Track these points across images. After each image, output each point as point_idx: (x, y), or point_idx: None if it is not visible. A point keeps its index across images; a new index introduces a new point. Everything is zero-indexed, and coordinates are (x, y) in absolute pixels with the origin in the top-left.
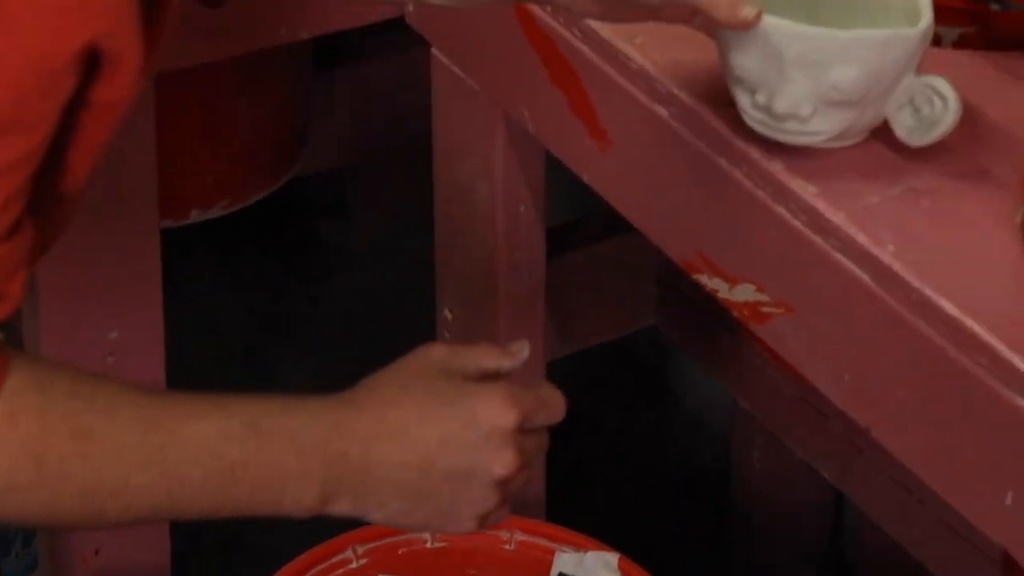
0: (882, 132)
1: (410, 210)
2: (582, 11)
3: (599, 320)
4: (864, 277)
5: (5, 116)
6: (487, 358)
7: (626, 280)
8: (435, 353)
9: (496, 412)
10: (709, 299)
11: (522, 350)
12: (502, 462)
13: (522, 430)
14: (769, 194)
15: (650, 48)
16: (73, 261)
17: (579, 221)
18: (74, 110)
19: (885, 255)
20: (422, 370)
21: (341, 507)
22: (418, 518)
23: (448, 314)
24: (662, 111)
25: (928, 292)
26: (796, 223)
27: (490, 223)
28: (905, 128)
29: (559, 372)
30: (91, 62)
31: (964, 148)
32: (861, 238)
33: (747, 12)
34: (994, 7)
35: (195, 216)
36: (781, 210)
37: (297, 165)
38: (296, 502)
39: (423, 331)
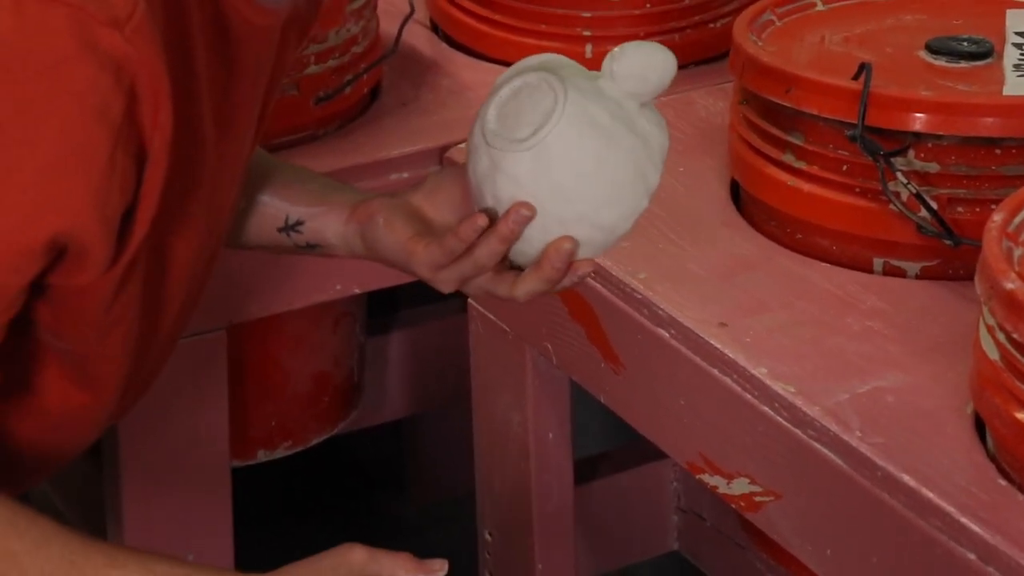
0: (854, 341)
1: (462, 469)
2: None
3: (626, 544)
4: (837, 460)
5: None
6: (402, 570)
7: (649, 507)
8: (353, 556)
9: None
10: (726, 522)
11: (441, 569)
12: None
13: None
14: (756, 396)
15: (652, 281)
16: (155, 493)
17: (606, 453)
18: (41, 291)
19: (854, 440)
20: (333, 572)
21: None
22: None
23: (488, 536)
24: (663, 333)
25: (890, 469)
26: (779, 419)
27: (523, 450)
28: None
29: None
30: (58, 252)
31: (925, 357)
32: (834, 427)
33: None
34: (948, 243)
35: (261, 456)
36: (766, 409)
37: (354, 411)
38: None
39: None
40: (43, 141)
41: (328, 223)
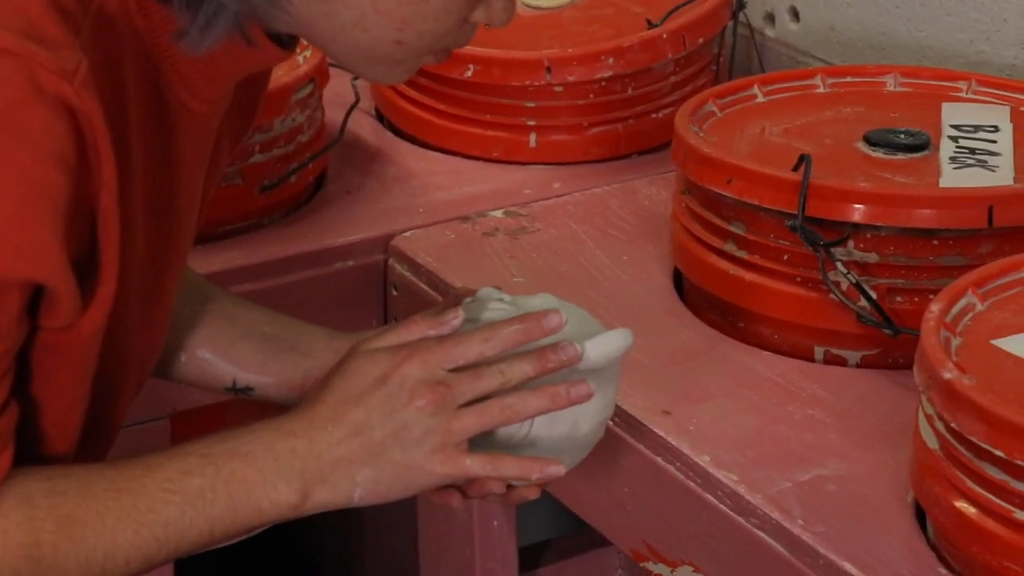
0: (796, 429)
1: (409, 555)
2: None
3: None
4: (780, 548)
5: None
6: (410, 332)
7: None
8: (362, 343)
9: (389, 363)
10: None
11: (454, 318)
12: (421, 396)
13: (438, 366)
14: (699, 484)
15: None
16: None
17: (550, 540)
18: (29, 342)
19: (796, 528)
20: (344, 358)
21: (321, 497)
22: (388, 480)
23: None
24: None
25: (832, 556)
26: (722, 507)
27: (468, 538)
28: None
29: None
30: (37, 296)
31: (866, 445)
32: (776, 515)
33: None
34: (887, 333)
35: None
36: (709, 497)
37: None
38: (274, 504)
39: None
40: (3, 189)
41: (280, 394)
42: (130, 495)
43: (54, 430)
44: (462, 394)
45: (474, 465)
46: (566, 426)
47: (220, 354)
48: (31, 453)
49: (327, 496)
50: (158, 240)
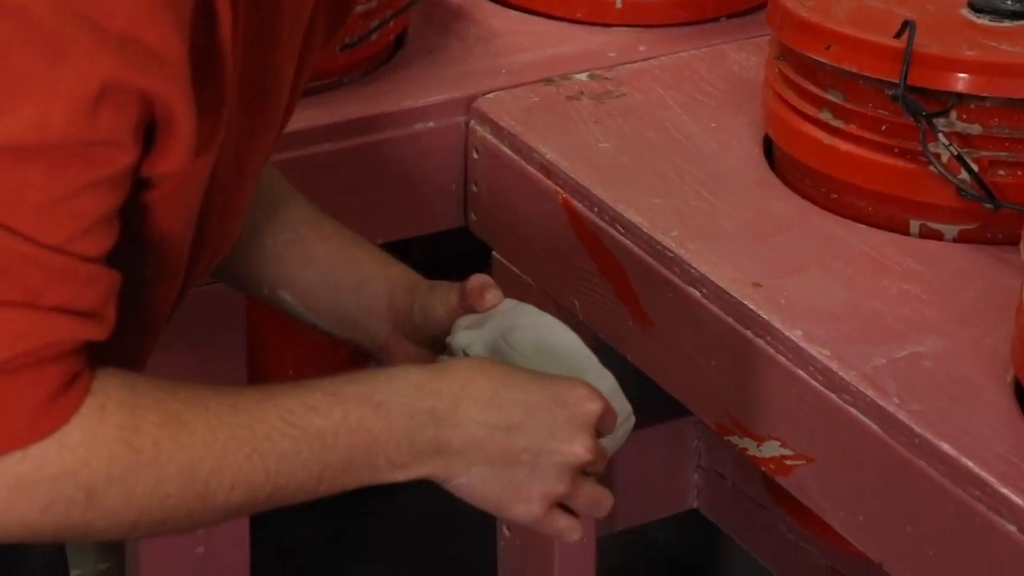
0: (891, 304)
1: None
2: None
3: (645, 501)
4: (873, 426)
5: (82, 135)
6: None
7: (670, 465)
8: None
9: (583, 397)
10: (747, 482)
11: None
12: (583, 444)
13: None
14: (789, 359)
15: (683, 239)
16: None
17: None
18: (138, 188)
19: (891, 406)
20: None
21: (428, 470)
22: (494, 490)
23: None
24: (695, 292)
25: (928, 436)
26: (813, 383)
27: None
28: None
29: (607, 550)
30: (148, 136)
31: (963, 322)
32: (870, 392)
33: None
34: (988, 207)
35: None
36: (800, 372)
37: (372, 362)
38: (391, 462)
39: None
40: None
41: (361, 344)
42: (247, 416)
43: (157, 283)
44: (596, 469)
45: (556, 527)
46: None
47: (299, 301)
48: (128, 316)
49: (433, 471)
50: (244, 125)
